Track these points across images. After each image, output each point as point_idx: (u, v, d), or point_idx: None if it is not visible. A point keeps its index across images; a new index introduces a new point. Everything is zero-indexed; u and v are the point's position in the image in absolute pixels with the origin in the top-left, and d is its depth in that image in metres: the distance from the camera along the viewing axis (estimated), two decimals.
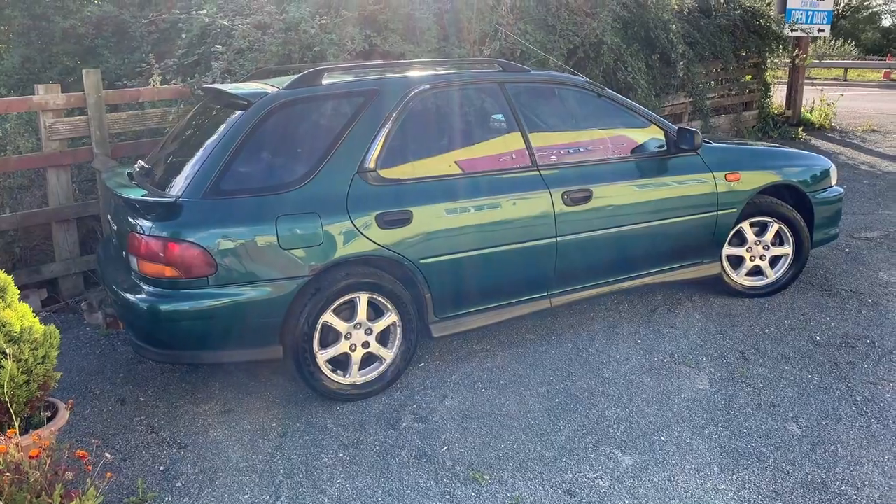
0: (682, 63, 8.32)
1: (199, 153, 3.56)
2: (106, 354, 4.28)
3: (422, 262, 3.70)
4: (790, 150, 5.10)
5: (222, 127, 3.60)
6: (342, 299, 3.58)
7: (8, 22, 7.48)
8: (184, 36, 5.87)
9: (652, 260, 4.43)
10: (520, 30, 6.42)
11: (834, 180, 5.04)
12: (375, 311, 3.72)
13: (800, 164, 4.89)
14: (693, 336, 4.32)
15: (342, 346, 3.63)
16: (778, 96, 12.03)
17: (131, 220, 3.48)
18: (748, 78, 10.70)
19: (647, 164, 4.36)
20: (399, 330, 3.75)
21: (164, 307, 3.33)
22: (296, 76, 3.75)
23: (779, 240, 4.83)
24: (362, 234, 3.54)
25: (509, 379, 3.86)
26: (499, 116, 4.22)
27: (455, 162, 3.91)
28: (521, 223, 3.94)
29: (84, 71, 4.99)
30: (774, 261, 4.87)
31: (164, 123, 5.25)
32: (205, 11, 5.86)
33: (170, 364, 3.83)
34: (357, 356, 3.67)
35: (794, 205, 4.85)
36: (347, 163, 3.59)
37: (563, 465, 3.13)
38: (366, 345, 3.68)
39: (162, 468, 3.18)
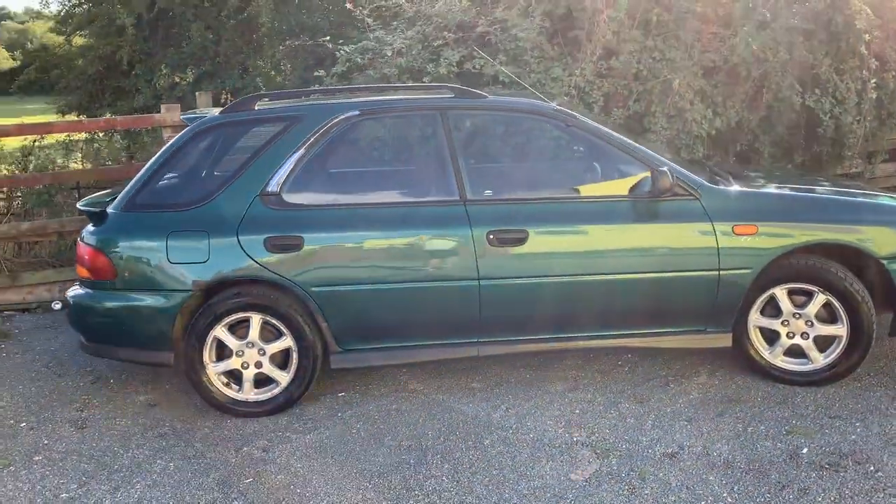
0: None
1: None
2: None
3: (314, 289, 3.66)
4: (866, 198, 3.87)
5: (163, 146, 3.96)
6: (234, 317, 3.70)
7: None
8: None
9: (617, 319, 3.76)
10: (645, 45, 5.76)
11: None
12: (278, 334, 3.77)
13: (870, 219, 3.71)
14: (650, 420, 3.56)
15: (233, 363, 3.75)
16: None
17: None
18: None
19: (617, 206, 3.70)
20: (295, 355, 3.75)
21: (82, 303, 3.81)
22: (233, 102, 3.96)
23: (832, 315, 3.72)
24: (248, 255, 3.63)
25: (392, 426, 3.62)
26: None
27: (370, 192, 3.78)
28: (433, 261, 3.67)
29: (197, 93, 5.76)
30: (828, 341, 3.76)
31: None
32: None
33: (96, 356, 4.24)
34: (249, 374, 3.75)
35: (866, 271, 3.69)
36: (250, 185, 3.70)
37: None
38: (259, 364, 3.75)
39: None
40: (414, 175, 3.91)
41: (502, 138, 4.05)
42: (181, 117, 4.18)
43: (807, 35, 6.22)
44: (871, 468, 3.07)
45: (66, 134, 9.64)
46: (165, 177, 3.83)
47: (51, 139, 10.26)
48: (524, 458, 3.28)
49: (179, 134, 3.88)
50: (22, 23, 50.22)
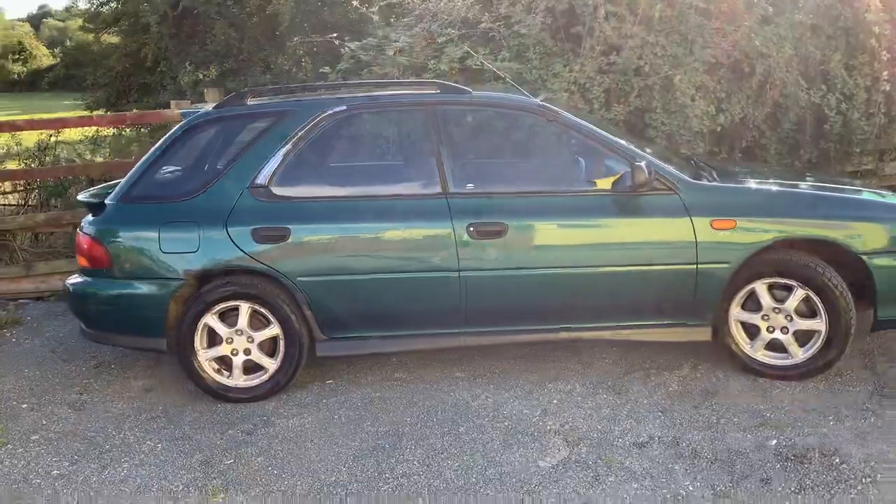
0: None
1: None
2: None
3: (300, 279, 3.77)
4: (848, 194, 3.88)
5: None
6: (224, 305, 3.83)
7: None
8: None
9: (597, 312, 3.82)
10: (647, 41, 5.77)
11: None
12: (267, 322, 3.88)
13: (849, 214, 3.71)
14: (625, 411, 3.62)
15: (223, 349, 3.87)
16: None
17: None
18: None
19: (597, 201, 3.76)
20: (282, 343, 3.86)
21: (80, 291, 3.96)
22: (226, 97, 4.09)
23: (812, 310, 3.74)
24: (236, 245, 3.75)
25: (373, 413, 3.72)
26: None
27: (355, 185, 3.89)
28: (415, 252, 3.77)
29: (205, 89, 5.92)
30: (808, 336, 3.78)
31: None
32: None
33: (95, 342, 4.38)
34: (238, 361, 3.88)
35: (846, 267, 3.70)
36: (240, 178, 3.83)
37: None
38: (248, 352, 3.87)
39: None
40: (398, 169, 4.01)
41: (486, 133, 4.11)
42: (179, 112, 4.32)
43: (815, 30, 6.19)
44: (837, 460, 3.09)
45: (95, 129, 9.96)
46: (160, 169, 3.97)
47: (80, 134, 10.58)
48: (496, 445, 3.36)
49: (174, 128, 4.02)
50: (62, 20, 51.36)
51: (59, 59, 34.32)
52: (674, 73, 5.67)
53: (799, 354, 3.77)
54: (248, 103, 4.01)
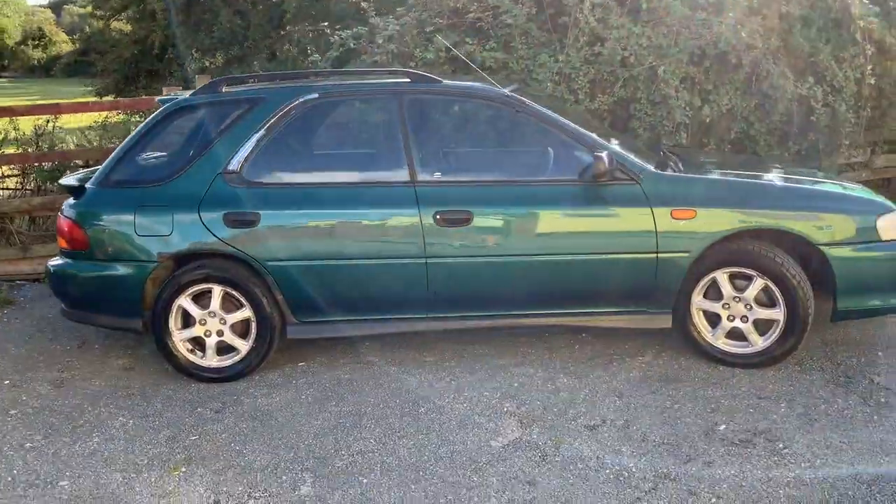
0: None
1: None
2: None
3: (270, 263, 3.88)
4: (810, 185, 3.92)
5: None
6: (197, 287, 3.94)
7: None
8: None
9: (559, 298, 3.89)
10: (632, 32, 5.80)
11: (891, 233, 3.74)
12: (239, 305, 3.99)
13: (808, 205, 3.76)
14: (582, 394, 3.70)
15: (196, 331, 3.99)
16: None
17: None
18: None
19: (560, 190, 3.83)
20: (254, 325, 3.98)
21: (60, 272, 4.10)
22: (203, 85, 4.19)
23: (771, 299, 3.79)
24: (208, 229, 3.86)
25: (339, 393, 3.82)
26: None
27: (326, 172, 3.98)
28: (384, 239, 3.86)
29: (197, 76, 6.03)
30: (768, 325, 3.83)
31: None
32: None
33: (75, 322, 4.50)
34: (211, 342, 3.99)
35: (807, 257, 3.76)
36: (213, 164, 3.93)
37: (252, 479, 3.13)
38: (220, 333, 3.99)
39: None
40: (368, 156, 4.10)
41: (454, 122, 4.19)
42: (157, 99, 4.43)
43: (806, 22, 6.19)
44: (780, 445, 3.16)
45: (104, 116, 10.15)
46: (138, 155, 4.08)
47: (90, 120, 10.77)
48: (452, 425, 3.45)
49: (152, 115, 4.13)
50: (84, 7, 51.74)
51: (76, 46, 34.70)
52: (658, 64, 5.70)
53: (758, 343, 3.83)
54: (223, 91, 4.11)
